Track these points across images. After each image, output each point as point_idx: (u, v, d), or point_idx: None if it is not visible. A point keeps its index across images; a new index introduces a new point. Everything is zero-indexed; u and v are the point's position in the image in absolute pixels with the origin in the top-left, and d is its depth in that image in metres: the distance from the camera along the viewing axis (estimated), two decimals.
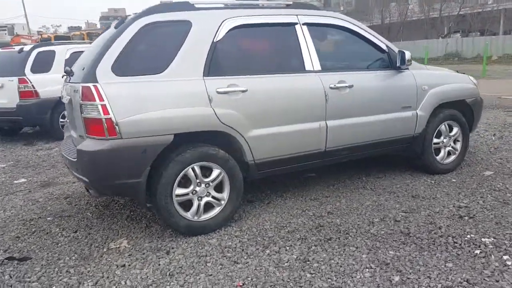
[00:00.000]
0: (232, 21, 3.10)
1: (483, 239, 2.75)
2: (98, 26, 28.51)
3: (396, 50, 3.76)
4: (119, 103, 2.65)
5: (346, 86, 3.45)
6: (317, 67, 3.38)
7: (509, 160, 4.57)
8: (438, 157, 4.13)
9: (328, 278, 2.39)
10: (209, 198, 3.03)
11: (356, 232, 2.96)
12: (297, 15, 3.40)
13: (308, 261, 2.59)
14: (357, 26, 3.68)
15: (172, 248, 2.85)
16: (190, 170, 2.91)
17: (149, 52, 2.89)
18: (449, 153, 4.22)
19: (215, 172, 3.01)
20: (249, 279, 2.43)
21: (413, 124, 3.88)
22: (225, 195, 3.08)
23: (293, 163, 3.39)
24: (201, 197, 2.99)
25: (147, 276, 2.51)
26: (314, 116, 3.34)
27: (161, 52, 2.90)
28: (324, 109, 3.36)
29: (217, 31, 3.03)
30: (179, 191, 2.90)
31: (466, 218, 3.11)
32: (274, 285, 2.35)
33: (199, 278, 2.45)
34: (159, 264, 2.64)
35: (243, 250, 2.78)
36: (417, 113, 3.88)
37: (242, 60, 3.23)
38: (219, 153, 2.99)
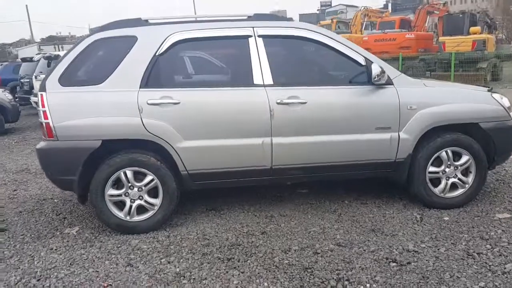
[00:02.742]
0: (178, 35, 3.23)
1: None
2: None
3: (378, 64, 3.32)
4: (57, 110, 3.07)
5: (298, 102, 3.23)
6: (268, 81, 3.25)
7: None
8: (436, 189, 3.49)
9: None
10: (142, 202, 3.24)
11: (261, 256, 2.81)
12: (253, 27, 3.32)
13: (183, 276, 2.60)
14: (328, 37, 3.38)
15: (100, 241, 3.17)
16: (122, 174, 3.16)
17: (93, 65, 3.25)
18: (455, 186, 3.52)
19: (148, 178, 3.21)
20: (118, 282, 2.58)
21: (392, 148, 3.38)
22: (158, 201, 3.25)
23: (234, 177, 3.34)
24: (134, 200, 3.22)
25: (56, 261, 2.87)
26: (256, 132, 3.23)
27: (104, 65, 3.22)
28: (268, 125, 3.22)
29: (161, 45, 3.20)
30: (112, 191, 3.19)
31: (394, 265, 2.63)
32: None
33: (85, 272, 2.70)
34: (75, 253, 2.98)
35: (148, 254, 2.92)
36: (398, 136, 3.36)
37: (182, 73, 3.34)
38: (150, 160, 3.18)
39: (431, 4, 22.75)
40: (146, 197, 3.24)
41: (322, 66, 3.58)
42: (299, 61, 3.60)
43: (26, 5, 35.95)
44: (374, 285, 2.42)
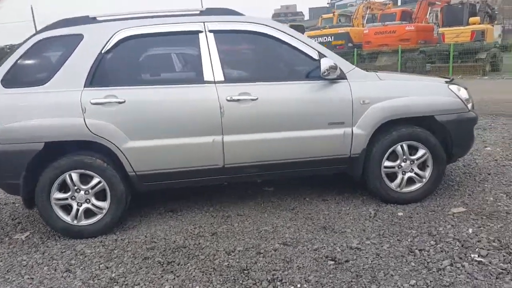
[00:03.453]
0: (125, 32, 3.17)
1: None
2: None
3: (331, 58, 3.24)
4: None
5: (249, 99, 3.16)
6: (219, 77, 3.20)
7: (498, 196, 3.47)
8: (393, 184, 3.41)
9: None
10: (89, 205, 3.20)
11: (202, 259, 2.76)
12: (204, 22, 3.26)
13: (116, 282, 2.57)
14: (281, 31, 3.30)
15: (47, 246, 3.15)
16: (67, 176, 3.13)
17: (37, 65, 3.21)
18: (412, 180, 3.44)
19: (94, 180, 3.17)
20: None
21: (346, 143, 3.30)
22: (106, 204, 3.22)
23: (186, 177, 3.29)
24: (81, 203, 3.19)
25: None
26: (206, 130, 3.18)
27: (48, 65, 3.19)
28: (219, 123, 3.16)
29: (107, 42, 3.15)
30: (58, 195, 3.16)
31: (332, 264, 2.57)
32: None
33: (19, 279, 2.67)
34: (16, 259, 2.96)
35: (89, 260, 2.88)
36: (352, 131, 3.28)
37: (129, 70, 3.27)
38: (95, 162, 3.14)
39: None
40: (93, 200, 3.21)
41: (275, 62, 3.50)
42: (251, 57, 3.54)
43: (31, 6, 36.11)
44: (305, 285, 2.36)
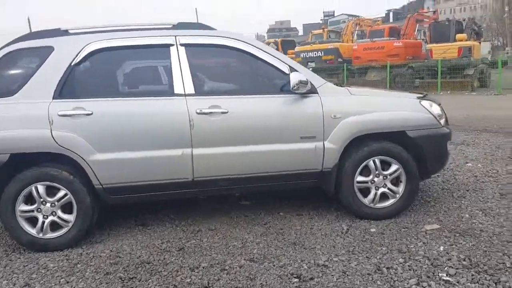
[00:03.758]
0: (95, 44, 3.16)
1: None
2: (266, 38, 31.16)
3: (302, 73, 3.23)
4: None
5: (219, 112, 3.13)
6: (190, 90, 3.17)
7: (472, 213, 3.46)
8: (366, 199, 3.38)
9: None
10: (55, 218, 3.13)
11: (165, 275, 2.68)
12: (176, 36, 3.25)
13: None
14: (252, 46, 3.30)
15: (10, 260, 3.04)
16: (33, 188, 3.06)
17: (7, 77, 3.17)
18: (386, 196, 3.41)
19: (61, 192, 3.10)
20: None
21: (318, 157, 3.27)
22: (72, 217, 3.14)
23: (154, 191, 3.23)
24: (47, 216, 3.11)
25: None
26: (176, 143, 3.13)
27: (17, 76, 3.15)
28: (188, 136, 3.12)
29: (77, 54, 3.12)
30: (24, 207, 3.08)
31: (296, 281, 2.51)
32: None
33: None
34: None
35: (51, 274, 2.79)
36: (323, 145, 3.25)
37: (98, 83, 3.24)
38: (62, 174, 3.08)
39: (420, 12, 22.81)
40: (60, 213, 3.13)
41: (246, 75, 3.49)
42: (222, 70, 3.54)
43: (28, 18, 35.90)
44: None
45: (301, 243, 3.05)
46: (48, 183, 3.08)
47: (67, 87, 3.09)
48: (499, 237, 2.99)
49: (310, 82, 3.23)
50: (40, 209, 3.10)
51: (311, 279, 2.52)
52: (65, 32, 3.24)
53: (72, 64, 3.11)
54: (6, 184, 3.03)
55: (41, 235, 3.12)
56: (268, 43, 25.17)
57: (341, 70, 19.60)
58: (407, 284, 2.41)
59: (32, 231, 3.11)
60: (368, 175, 3.36)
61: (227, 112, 3.14)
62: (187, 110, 3.11)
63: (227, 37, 3.28)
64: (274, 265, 2.73)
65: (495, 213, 3.44)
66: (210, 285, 2.53)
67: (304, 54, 21.44)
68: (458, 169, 4.96)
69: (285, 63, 3.28)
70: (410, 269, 2.58)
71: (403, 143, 3.38)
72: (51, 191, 3.10)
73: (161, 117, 3.12)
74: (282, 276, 2.58)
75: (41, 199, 3.09)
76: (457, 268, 2.56)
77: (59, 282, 2.68)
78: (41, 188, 3.07)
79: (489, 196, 3.88)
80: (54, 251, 3.12)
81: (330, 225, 3.36)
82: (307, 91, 3.19)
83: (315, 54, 20.90)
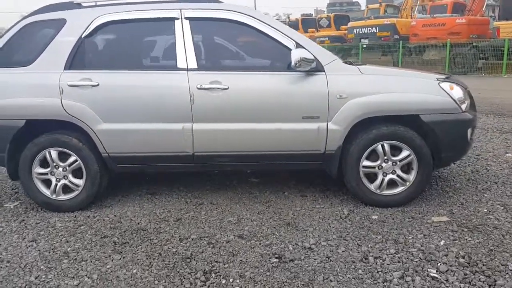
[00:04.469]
0: (104, 17, 3.23)
1: None
2: (325, 12, 30.40)
3: (309, 49, 3.09)
4: None
5: (219, 88, 3.11)
6: (193, 65, 3.17)
7: (492, 207, 3.18)
8: (372, 185, 3.23)
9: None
10: (66, 182, 3.33)
11: (155, 243, 2.78)
12: (181, 9, 3.23)
13: (68, 256, 2.65)
14: (258, 20, 3.18)
15: (27, 216, 3.30)
16: (47, 153, 3.26)
17: (24, 48, 3.34)
18: (394, 183, 3.23)
19: (71, 158, 3.29)
20: (10, 255, 2.69)
21: (320, 138, 3.16)
22: (82, 181, 3.32)
23: (157, 163, 3.32)
24: (59, 179, 3.32)
25: None
26: (177, 117, 3.17)
27: (33, 47, 3.30)
28: (189, 111, 3.14)
29: (87, 27, 3.22)
30: (39, 170, 3.31)
31: (275, 261, 2.48)
32: None
33: None
34: None
35: (57, 232, 3.00)
36: (327, 126, 3.13)
37: (106, 55, 3.32)
38: (72, 141, 3.24)
39: None
40: (71, 177, 3.32)
41: (250, 51, 3.41)
42: (226, 45, 3.46)
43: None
44: (237, 280, 2.30)
45: (295, 224, 3.00)
46: (60, 148, 3.26)
47: (78, 59, 3.21)
48: None
49: (317, 60, 3.09)
50: (53, 172, 3.31)
51: (291, 260, 2.48)
52: (78, 5, 3.33)
53: (82, 36, 3.21)
54: (23, 148, 3.25)
55: (54, 196, 3.34)
56: (320, 18, 24.38)
57: (397, 47, 18.56)
58: (390, 276, 2.30)
59: (47, 192, 3.33)
60: (376, 160, 3.20)
61: (227, 88, 3.10)
62: (188, 85, 3.11)
63: (233, 11, 3.20)
64: (260, 244, 2.72)
65: None
66: (192, 256, 2.58)
67: (357, 30, 20.50)
68: (494, 159, 4.58)
69: (292, 39, 3.15)
70: (399, 261, 2.46)
71: (417, 127, 3.16)
72: (63, 157, 3.29)
73: (163, 91, 3.15)
74: (264, 255, 2.56)
75: (54, 163, 3.28)
76: (450, 265, 2.39)
77: (61, 240, 2.87)
78: (54, 153, 3.26)
79: None
80: (66, 212, 3.34)
81: (331, 209, 3.27)
82: (311, 69, 3.05)
83: (369, 30, 19.90)
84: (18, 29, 3.29)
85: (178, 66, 3.17)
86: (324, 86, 3.09)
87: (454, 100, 3.11)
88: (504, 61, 15.10)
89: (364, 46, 20.10)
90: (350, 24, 21.60)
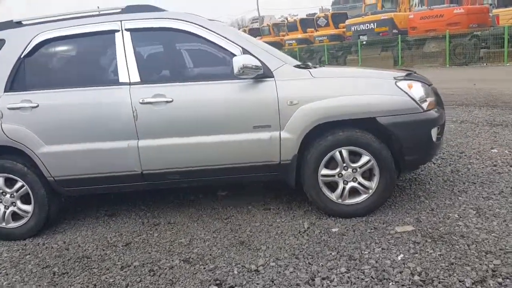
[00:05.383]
0: (43, 35, 3.10)
1: None
2: (330, 11, 30.10)
3: (257, 54, 2.91)
4: None
5: (163, 101, 2.94)
6: (135, 78, 3.01)
7: (463, 212, 2.93)
8: (333, 195, 3.02)
9: None
10: (15, 209, 3.19)
11: (94, 273, 2.61)
12: (121, 20, 3.08)
13: None
14: (201, 27, 3.01)
15: None
16: None
17: None
18: (357, 191, 3.02)
19: (18, 184, 3.15)
20: None
21: (274, 148, 2.96)
22: (29, 207, 3.18)
23: (105, 183, 3.15)
24: (8, 206, 3.19)
25: None
26: (121, 134, 3.01)
27: None
28: (133, 127, 2.98)
29: (27, 46, 3.09)
30: None
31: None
32: None
33: None
34: None
35: (0, 264, 2.86)
36: (280, 135, 2.93)
37: (45, 74, 3.19)
38: (16, 166, 3.11)
39: None
40: (19, 203, 3.18)
41: (194, 60, 3.24)
42: (170, 56, 3.29)
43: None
44: None
45: (248, 243, 2.81)
46: (5, 174, 3.13)
47: (17, 80, 3.08)
48: (480, 246, 2.49)
49: (265, 65, 2.90)
50: (1, 199, 3.17)
51: (231, 287, 2.28)
52: (18, 24, 3.20)
53: (21, 56, 3.08)
54: None
55: (4, 224, 3.20)
56: (318, 18, 24.13)
57: (396, 42, 18.23)
58: None
59: None
60: (335, 168, 2.99)
61: (171, 101, 2.93)
62: (130, 100, 2.95)
63: (175, 19, 3.04)
64: (204, 268, 2.53)
65: (491, 214, 2.91)
66: (128, 286, 2.40)
67: (355, 27, 20.22)
68: (478, 155, 4.31)
69: (238, 45, 2.97)
70: (348, 282, 2.24)
71: (377, 131, 2.94)
72: (10, 183, 3.15)
73: (105, 108, 3.00)
74: (204, 281, 2.37)
75: (1, 190, 3.15)
76: (402, 285, 2.17)
77: (0, 273, 2.72)
78: (0, 180, 3.13)
79: (496, 192, 3.29)
80: (17, 240, 3.20)
81: (291, 222, 3.06)
82: (259, 75, 2.87)
83: (367, 26, 19.59)
84: None
85: (120, 80, 3.02)
86: (273, 93, 2.89)
87: (413, 99, 2.88)
88: (505, 49, 14.67)
89: (364, 42, 19.81)
90: (347, 22, 21.32)
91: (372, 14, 20.04)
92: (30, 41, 3.09)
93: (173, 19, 3.04)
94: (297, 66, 3.08)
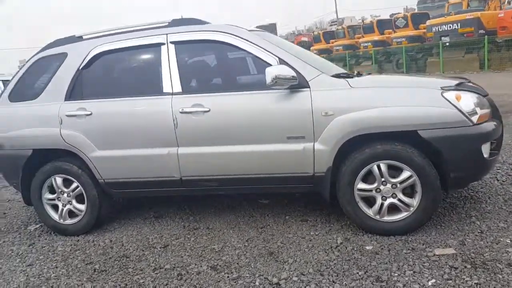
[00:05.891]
0: (98, 48, 3.38)
1: None
2: (416, 10, 28.94)
3: (292, 65, 2.89)
4: (2, 122, 3.55)
5: (201, 111, 3.04)
6: (178, 89, 3.16)
7: None
8: (371, 211, 2.88)
9: None
10: (71, 207, 3.51)
11: (128, 273, 2.77)
12: (167, 34, 3.25)
13: (47, 283, 2.75)
14: (241, 39, 3.05)
15: (38, 240, 3.55)
16: (53, 180, 3.48)
17: (34, 82, 3.62)
18: (397, 208, 2.84)
19: (74, 184, 3.46)
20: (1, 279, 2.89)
21: (307, 160, 2.89)
22: (83, 207, 3.48)
23: (148, 187, 3.33)
24: (65, 204, 3.52)
25: None
26: (162, 142, 3.16)
27: (41, 81, 3.57)
28: (173, 135, 3.12)
29: (84, 58, 3.40)
30: (48, 195, 3.54)
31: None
32: None
33: None
34: (7, 249, 3.43)
35: (53, 258, 3.15)
36: (313, 147, 2.86)
37: (100, 84, 3.44)
38: (73, 168, 3.42)
39: None
40: (74, 202, 3.49)
41: (232, 71, 3.27)
42: (210, 67, 3.37)
43: None
44: None
45: (277, 254, 2.78)
46: (63, 175, 3.46)
47: (76, 89, 3.38)
48: None
49: (301, 75, 2.86)
50: (60, 198, 3.51)
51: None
52: (79, 38, 3.52)
53: (80, 68, 3.38)
54: (33, 175, 3.51)
55: (61, 220, 3.54)
56: (397, 18, 23.02)
57: (482, 44, 16.72)
58: None
59: (55, 217, 3.54)
60: (373, 182, 2.84)
61: (209, 111, 3.01)
62: (171, 109, 3.09)
63: (216, 31, 3.12)
64: (228, 277, 2.55)
65: None
66: None
67: (436, 28, 18.92)
68: None
69: (275, 56, 2.96)
70: None
71: (421, 145, 2.74)
72: (68, 183, 3.48)
73: (149, 117, 3.17)
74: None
75: (59, 189, 3.48)
76: None
77: (51, 265, 3.02)
78: (59, 180, 3.47)
79: None
80: (72, 236, 3.51)
81: (325, 236, 2.97)
82: (294, 85, 2.83)
83: (450, 27, 18.21)
84: (29, 66, 3.59)
85: (164, 90, 3.17)
86: (307, 103, 2.84)
87: (461, 111, 2.63)
88: None
89: (447, 44, 18.48)
90: (428, 22, 20.05)
91: (456, 14, 18.60)
92: (87, 54, 3.38)
93: (214, 31, 3.12)
94: (337, 76, 2.98)
